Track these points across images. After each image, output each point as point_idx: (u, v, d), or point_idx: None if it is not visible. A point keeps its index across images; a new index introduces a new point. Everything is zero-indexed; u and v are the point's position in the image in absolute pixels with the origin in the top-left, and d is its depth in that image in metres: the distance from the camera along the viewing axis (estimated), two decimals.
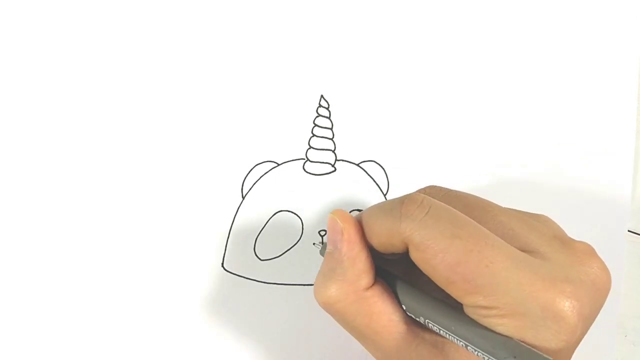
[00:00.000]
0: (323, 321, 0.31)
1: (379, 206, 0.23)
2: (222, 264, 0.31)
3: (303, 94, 0.32)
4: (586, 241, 0.22)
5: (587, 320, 0.20)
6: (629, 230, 0.33)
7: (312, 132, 0.32)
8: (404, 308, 0.23)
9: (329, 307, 0.23)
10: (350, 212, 0.31)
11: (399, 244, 0.22)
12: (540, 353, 0.19)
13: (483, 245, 0.20)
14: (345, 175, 0.32)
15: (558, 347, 0.20)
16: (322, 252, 0.27)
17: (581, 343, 0.21)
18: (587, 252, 0.22)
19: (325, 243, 0.26)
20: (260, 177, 0.31)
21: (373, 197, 0.32)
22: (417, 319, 0.23)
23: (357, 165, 0.32)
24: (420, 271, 0.23)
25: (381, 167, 0.32)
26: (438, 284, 0.21)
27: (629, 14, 0.33)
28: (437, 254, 0.20)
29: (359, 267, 0.23)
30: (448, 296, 0.21)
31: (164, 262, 0.31)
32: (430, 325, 0.22)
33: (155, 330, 0.31)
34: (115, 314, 0.30)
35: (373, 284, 0.23)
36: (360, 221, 0.24)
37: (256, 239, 0.31)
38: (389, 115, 0.32)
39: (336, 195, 0.32)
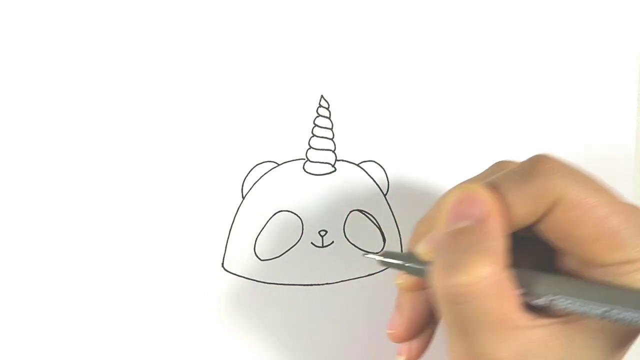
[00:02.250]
0: (323, 321, 0.31)
1: (511, 173, 0.21)
2: (222, 264, 0.31)
3: (303, 94, 0.32)
4: None
5: None
6: None
7: (312, 132, 0.32)
8: (523, 292, 0.21)
9: (464, 290, 0.20)
10: (350, 212, 0.31)
11: (543, 209, 0.20)
12: None
13: (621, 200, 0.21)
14: (345, 175, 0.32)
15: None
16: (384, 263, 0.25)
17: None
18: None
19: (386, 251, 0.25)
20: (260, 177, 0.31)
21: (373, 197, 0.32)
22: (534, 303, 0.21)
23: (357, 165, 0.32)
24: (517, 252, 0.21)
25: (381, 167, 0.32)
26: (575, 245, 0.20)
27: (629, 14, 0.33)
28: (589, 209, 0.20)
29: (505, 243, 0.20)
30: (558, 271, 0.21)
31: (164, 262, 0.31)
32: (555, 303, 0.20)
33: (155, 330, 0.31)
34: (115, 314, 0.30)
35: None
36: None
37: (256, 239, 0.31)
38: (389, 115, 0.32)
39: (336, 195, 0.32)
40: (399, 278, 0.25)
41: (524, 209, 0.21)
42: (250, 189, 0.31)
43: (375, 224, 0.32)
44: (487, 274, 0.19)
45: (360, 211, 0.32)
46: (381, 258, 0.25)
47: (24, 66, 0.30)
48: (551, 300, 0.20)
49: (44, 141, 0.30)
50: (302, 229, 0.31)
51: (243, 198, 0.31)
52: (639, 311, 0.19)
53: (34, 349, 0.30)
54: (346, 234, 0.31)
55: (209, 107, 0.31)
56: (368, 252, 0.28)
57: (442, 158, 0.32)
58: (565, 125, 0.33)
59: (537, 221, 0.21)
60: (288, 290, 0.31)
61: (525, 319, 0.20)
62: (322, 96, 0.32)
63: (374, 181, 0.32)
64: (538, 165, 0.21)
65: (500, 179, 0.21)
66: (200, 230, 0.31)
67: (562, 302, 0.20)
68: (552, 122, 0.33)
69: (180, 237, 0.31)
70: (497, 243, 0.20)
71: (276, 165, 0.31)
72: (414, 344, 0.26)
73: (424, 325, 0.26)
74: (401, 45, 0.32)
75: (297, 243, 0.31)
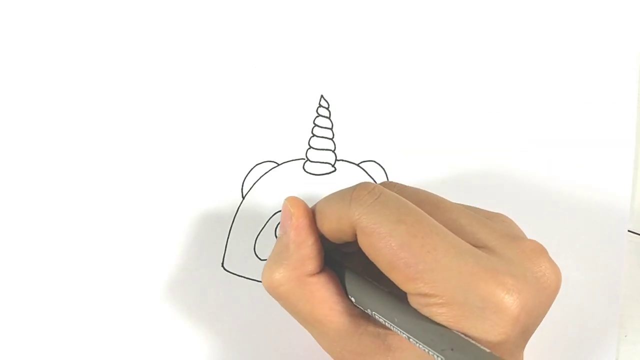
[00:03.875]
0: None
1: (331, 194, 0.24)
2: (222, 264, 0.31)
3: (303, 94, 0.32)
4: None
5: (529, 316, 0.20)
6: (629, 230, 0.33)
7: (312, 132, 0.32)
8: (353, 300, 0.23)
9: (273, 291, 0.24)
10: None
11: (348, 229, 0.22)
12: (479, 345, 0.19)
13: (427, 232, 0.20)
14: (345, 175, 0.32)
15: (497, 340, 0.19)
16: None
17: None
18: (536, 250, 0.22)
19: None
20: (260, 177, 0.31)
21: None
22: (365, 311, 0.23)
23: (357, 165, 0.32)
24: (373, 266, 0.23)
25: (381, 167, 0.32)
26: (383, 270, 0.21)
27: (629, 14, 0.33)
28: (382, 237, 0.21)
29: (305, 253, 0.23)
30: (396, 289, 0.22)
31: (164, 262, 0.31)
32: (375, 316, 0.22)
33: (155, 330, 0.31)
34: (115, 314, 0.30)
35: (320, 272, 0.23)
36: (314, 209, 0.24)
37: (256, 239, 0.31)
38: (389, 115, 0.32)
39: None
40: None
41: (334, 227, 0.23)
42: (250, 189, 0.31)
43: None
44: (279, 281, 0.23)
45: None
46: None
47: (24, 66, 0.30)
48: (372, 313, 0.22)
49: (44, 141, 0.30)
50: None
51: (243, 198, 0.31)
52: (427, 346, 0.20)
53: (34, 349, 0.30)
54: None
55: (209, 107, 0.31)
56: None
57: (442, 158, 0.32)
58: (565, 125, 0.33)
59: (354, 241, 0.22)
60: None
61: (349, 324, 0.23)
62: (322, 96, 0.32)
63: (374, 181, 0.32)
64: (350, 192, 0.22)
65: (328, 196, 0.24)
66: (200, 230, 0.31)
67: (378, 318, 0.22)
68: (552, 122, 0.33)
69: (180, 237, 0.31)
70: (293, 254, 0.23)
71: (276, 165, 0.31)
72: None
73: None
74: (401, 45, 0.32)
75: None
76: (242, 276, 0.31)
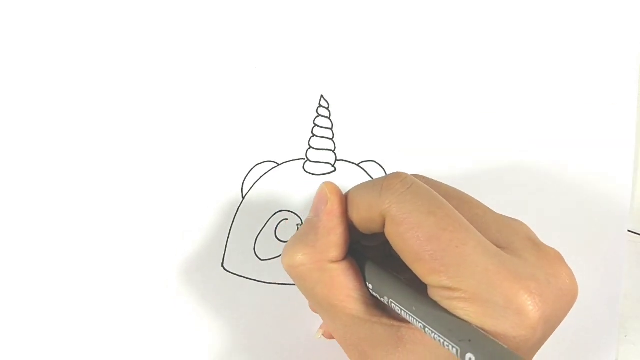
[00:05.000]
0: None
1: (364, 182, 0.24)
2: (222, 264, 0.31)
3: (303, 94, 0.32)
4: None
5: (548, 322, 0.20)
6: (629, 230, 0.33)
7: (312, 132, 0.32)
8: (370, 287, 0.23)
9: (292, 270, 0.24)
10: None
11: (378, 218, 0.22)
12: (497, 341, 0.19)
13: (456, 227, 0.20)
14: (345, 175, 0.32)
15: (515, 341, 0.19)
16: None
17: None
18: (557, 258, 0.22)
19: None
20: (260, 177, 0.31)
21: None
22: (382, 300, 0.23)
23: (357, 165, 0.32)
24: (392, 261, 0.23)
25: (381, 167, 0.32)
26: (407, 261, 0.21)
27: (629, 14, 0.33)
28: (411, 228, 0.21)
29: (332, 239, 0.23)
30: (415, 283, 0.22)
31: (164, 262, 0.31)
32: (392, 305, 0.22)
33: (155, 330, 0.31)
34: (115, 314, 0.30)
35: (341, 260, 0.23)
36: (346, 197, 0.24)
37: (256, 239, 0.31)
38: (389, 115, 0.32)
39: None
40: None
41: (363, 217, 0.23)
42: (250, 189, 0.31)
43: None
44: (301, 262, 0.23)
45: None
46: None
47: (24, 66, 0.30)
48: (389, 302, 0.22)
49: (44, 141, 0.30)
50: None
51: (243, 198, 0.31)
52: (444, 337, 0.20)
53: (34, 349, 0.30)
54: None
55: (209, 107, 0.31)
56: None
57: (442, 158, 0.32)
58: (565, 125, 0.33)
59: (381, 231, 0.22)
60: (288, 290, 0.31)
61: (364, 312, 0.23)
62: (322, 96, 0.32)
63: None
64: (382, 180, 0.22)
65: (360, 184, 0.24)
66: (200, 230, 0.31)
67: (395, 307, 0.22)
68: (552, 122, 0.33)
69: (180, 237, 0.31)
70: (320, 237, 0.23)
71: (276, 165, 0.31)
72: None
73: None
74: (401, 45, 0.32)
75: None
76: (242, 276, 0.31)
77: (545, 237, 0.23)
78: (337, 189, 0.24)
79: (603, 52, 0.33)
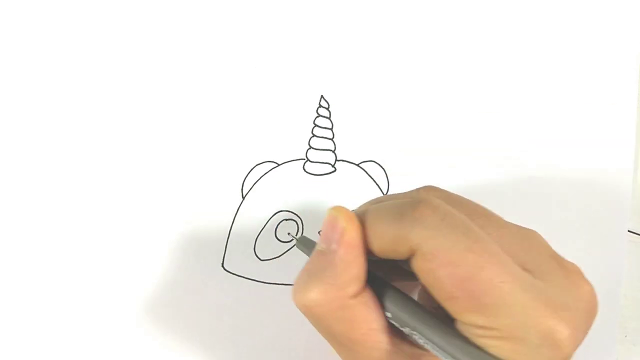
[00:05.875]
0: None
1: (386, 207, 0.21)
2: (222, 264, 0.31)
3: (303, 94, 0.32)
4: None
5: (577, 346, 0.20)
6: (629, 230, 0.33)
7: (312, 132, 0.32)
8: (389, 316, 0.22)
9: (307, 310, 0.21)
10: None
11: (404, 251, 0.20)
12: None
13: (494, 262, 0.19)
14: (345, 176, 0.32)
15: None
16: (299, 247, 0.26)
17: (581, 343, 0.21)
18: (578, 273, 0.21)
19: (302, 237, 0.25)
20: (260, 177, 0.31)
21: (373, 198, 0.32)
22: (401, 329, 0.21)
23: (357, 165, 0.32)
24: (405, 276, 0.22)
25: (381, 167, 0.32)
26: (436, 296, 0.20)
27: (629, 14, 0.33)
28: (446, 265, 0.19)
29: (353, 274, 0.21)
30: (436, 307, 0.21)
31: (164, 262, 0.31)
32: (415, 337, 0.21)
33: (155, 330, 0.31)
34: (115, 314, 0.30)
35: (362, 291, 0.21)
36: (362, 222, 0.22)
37: (256, 239, 0.31)
38: (389, 116, 0.32)
39: (336, 195, 0.32)
40: None
41: (387, 247, 0.21)
42: (250, 189, 0.31)
43: None
44: (317, 302, 0.21)
45: None
46: (296, 241, 0.27)
47: (24, 66, 0.30)
48: (411, 333, 0.21)
49: (44, 141, 0.30)
50: (302, 229, 0.31)
51: (243, 198, 0.31)
52: None
53: (34, 349, 0.30)
54: None
55: (209, 107, 0.31)
56: (291, 235, 0.30)
57: (442, 158, 0.32)
58: (566, 125, 0.33)
59: (406, 259, 0.21)
60: (288, 290, 0.31)
61: (386, 343, 0.21)
62: (322, 96, 0.32)
63: (374, 181, 0.32)
64: (410, 209, 0.20)
65: (380, 210, 0.21)
66: (200, 230, 0.31)
67: (418, 339, 0.21)
68: (552, 122, 0.33)
69: (180, 237, 0.31)
70: (340, 273, 0.21)
71: (276, 165, 0.31)
72: None
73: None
74: (401, 45, 0.32)
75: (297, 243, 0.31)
76: (242, 276, 0.31)
77: (546, 236, 0.23)
78: (351, 216, 0.21)
79: (603, 52, 0.33)
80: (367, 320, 0.21)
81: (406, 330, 0.21)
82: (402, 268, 0.22)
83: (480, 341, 0.19)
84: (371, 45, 0.32)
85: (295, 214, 0.31)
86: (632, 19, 0.33)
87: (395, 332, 0.22)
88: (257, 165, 0.31)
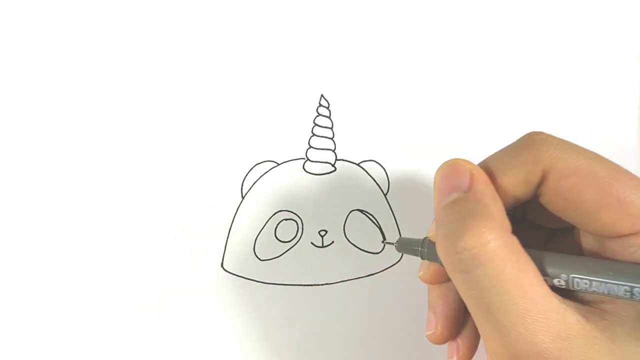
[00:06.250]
0: (323, 321, 0.31)
1: (502, 149, 0.21)
2: (222, 264, 0.31)
3: (303, 94, 0.32)
4: None
5: None
6: None
7: (312, 132, 0.32)
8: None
9: (482, 250, 0.18)
10: (350, 212, 0.31)
11: (535, 178, 0.20)
12: None
13: (626, 173, 0.19)
14: (345, 175, 0.32)
15: None
16: (400, 249, 0.25)
17: None
18: None
19: (401, 238, 0.25)
20: (260, 177, 0.31)
21: (373, 197, 0.32)
22: (555, 282, 0.19)
23: (357, 165, 0.32)
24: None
25: (381, 167, 0.32)
26: (581, 217, 0.19)
27: (629, 14, 0.33)
28: (587, 174, 0.19)
29: (501, 207, 0.20)
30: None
31: (164, 262, 0.31)
32: (576, 282, 0.19)
33: (155, 330, 0.31)
34: (115, 314, 0.30)
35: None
36: (484, 168, 0.21)
37: (256, 239, 0.31)
38: (389, 115, 0.32)
39: (336, 195, 0.31)
40: (420, 270, 0.24)
41: (516, 179, 0.20)
42: (250, 188, 0.31)
43: (375, 224, 0.32)
44: (491, 236, 0.18)
45: (361, 211, 0.32)
46: (398, 244, 0.25)
47: (24, 66, 0.30)
48: (566, 281, 0.19)
49: (44, 142, 0.30)
50: (302, 228, 0.31)
51: (243, 198, 0.31)
52: None
53: (33, 349, 0.30)
54: (346, 233, 0.31)
55: (209, 107, 0.31)
56: (385, 240, 0.30)
57: (442, 158, 0.32)
58: (566, 125, 0.33)
59: (537, 194, 0.20)
60: (288, 290, 0.31)
61: (553, 296, 0.18)
62: (322, 96, 0.32)
63: (374, 181, 0.32)
64: (527, 138, 0.20)
65: (496, 153, 0.21)
66: (200, 230, 0.31)
67: (579, 282, 0.19)
68: (552, 122, 0.33)
69: (180, 237, 0.31)
70: (492, 207, 0.19)
71: (276, 165, 0.31)
72: (461, 344, 0.24)
73: (463, 321, 0.24)
74: (401, 45, 0.32)
75: (297, 243, 0.31)
76: (242, 276, 0.31)
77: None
78: (467, 160, 0.21)
79: (603, 52, 0.33)
80: (532, 266, 0.19)
81: (562, 279, 0.19)
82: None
83: (638, 256, 0.18)
84: (371, 45, 0.32)
85: (295, 213, 0.31)
86: (632, 19, 0.33)
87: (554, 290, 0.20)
88: (257, 164, 0.31)
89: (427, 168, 0.32)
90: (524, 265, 0.18)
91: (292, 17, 0.31)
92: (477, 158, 0.32)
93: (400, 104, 0.32)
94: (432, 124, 0.32)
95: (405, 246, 0.24)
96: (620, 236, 0.19)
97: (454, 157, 0.32)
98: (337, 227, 0.31)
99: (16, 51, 0.30)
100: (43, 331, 0.30)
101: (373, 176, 0.32)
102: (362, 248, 0.31)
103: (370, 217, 0.32)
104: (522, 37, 0.33)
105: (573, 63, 0.33)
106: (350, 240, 0.31)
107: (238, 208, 0.31)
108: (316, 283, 0.31)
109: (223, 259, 0.31)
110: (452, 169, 0.21)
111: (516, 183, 0.20)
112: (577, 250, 0.21)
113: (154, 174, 0.31)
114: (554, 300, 0.18)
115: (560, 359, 0.18)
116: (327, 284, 0.31)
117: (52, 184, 0.30)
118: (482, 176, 0.20)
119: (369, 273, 0.32)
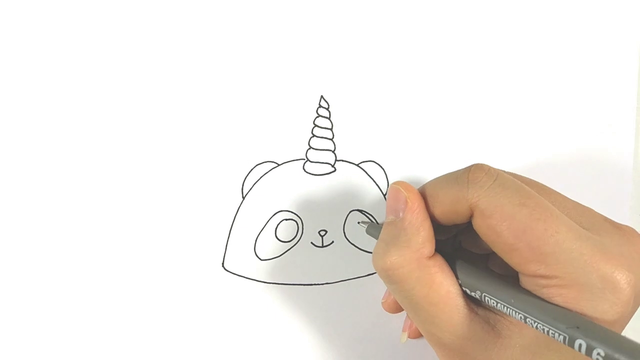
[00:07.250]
0: (323, 321, 0.31)
1: (442, 177, 0.24)
2: (222, 264, 0.31)
3: (303, 94, 0.32)
4: None
5: (637, 294, 0.21)
6: None
7: (312, 132, 0.32)
8: (460, 283, 0.23)
9: (391, 273, 0.23)
10: (350, 212, 0.31)
11: (464, 211, 0.22)
12: (601, 325, 0.19)
13: (549, 216, 0.21)
14: (345, 176, 0.32)
15: (613, 319, 0.20)
16: (368, 231, 0.29)
17: None
18: (632, 232, 0.22)
19: (371, 221, 0.27)
20: (261, 177, 0.31)
21: (373, 197, 0.32)
22: (472, 294, 0.23)
23: (357, 165, 0.32)
24: (463, 252, 0.24)
25: (381, 167, 0.32)
26: (499, 252, 0.21)
27: (629, 14, 0.33)
28: (504, 220, 0.21)
29: (423, 235, 0.23)
30: (502, 273, 0.22)
31: (164, 262, 0.31)
32: (487, 299, 0.22)
33: (156, 330, 0.31)
34: (115, 314, 0.30)
35: (433, 257, 0.23)
36: (422, 193, 0.24)
37: (256, 239, 0.31)
38: (388, 116, 0.32)
39: (336, 195, 0.32)
40: (382, 298, 0.30)
41: (448, 209, 0.23)
42: (251, 189, 0.31)
43: (375, 224, 0.32)
44: (398, 263, 0.23)
45: (360, 211, 0.32)
46: (366, 227, 0.29)
47: (24, 67, 0.30)
48: (480, 296, 0.22)
49: (44, 142, 0.30)
50: (302, 228, 0.31)
51: (243, 198, 0.31)
52: (549, 326, 0.20)
53: (34, 349, 0.30)
54: (346, 233, 0.31)
55: (209, 107, 0.31)
56: (361, 224, 0.31)
57: (442, 158, 0.32)
58: (566, 125, 0.33)
59: (469, 222, 0.23)
60: (288, 290, 0.31)
61: (464, 307, 0.23)
62: (322, 96, 0.32)
63: (374, 181, 0.32)
64: (463, 174, 0.23)
65: (437, 179, 0.24)
66: (200, 230, 0.31)
67: (489, 300, 0.22)
68: (551, 122, 0.33)
69: (180, 237, 0.31)
70: (412, 236, 0.23)
71: (276, 165, 0.31)
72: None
73: None
74: (400, 46, 0.32)
75: (297, 243, 0.31)
76: (242, 276, 0.31)
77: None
78: (411, 186, 0.24)
79: (603, 53, 0.33)
80: (445, 283, 0.23)
81: (477, 294, 0.22)
82: (464, 250, 0.24)
83: (544, 292, 0.21)
84: (371, 45, 0.32)
85: (295, 213, 0.31)
86: (632, 19, 0.33)
87: (470, 298, 0.23)
88: (257, 165, 0.31)
89: (427, 168, 0.32)
90: (435, 284, 0.23)
91: (292, 19, 0.31)
92: (476, 158, 0.33)
93: (400, 104, 0.32)
94: (432, 125, 0.32)
95: (371, 231, 0.28)
96: (526, 274, 0.21)
97: (452, 157, 0.32)
98: (337, 227, 0.31)
99: (16, 51, 0.30)
100: (43, 331, 0.30)
101: (373, 176, 0.32)
102: (362, 248, 0.32)
103: (370, 217, 0.32)
104: (521, 38, 0.33)
105: (572, 63, 0.33)
106: (350, 240, 0.31)
107: (239, 208, 0.31)
108: (316, 283, 0.31)
109: (224, 259, 0.31)
110: (394, 193, 0.25)
111: (447, 213, 0.23)
112: (508, 268, 0.23)
113: (154, 175, 0.31)
114: (463, 309, 0.23)
115: (461, 350, 0.23)
116: (327, 283, 0.32)
117: (53, 184, 0.30)
118: (414, 205, 0.24)
119: (369, 273, 0.32)
